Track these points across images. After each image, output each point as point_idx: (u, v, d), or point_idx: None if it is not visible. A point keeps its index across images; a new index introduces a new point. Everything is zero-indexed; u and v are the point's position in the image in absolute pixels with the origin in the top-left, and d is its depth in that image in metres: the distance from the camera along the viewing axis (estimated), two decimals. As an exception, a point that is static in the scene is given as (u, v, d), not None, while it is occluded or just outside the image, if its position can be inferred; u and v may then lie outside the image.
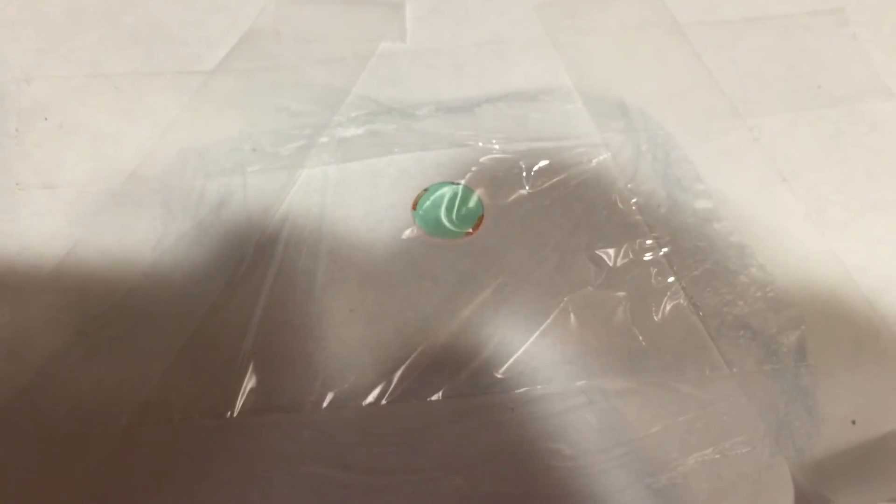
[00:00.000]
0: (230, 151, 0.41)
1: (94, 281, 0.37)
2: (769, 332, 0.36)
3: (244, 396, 0.34)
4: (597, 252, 0.38)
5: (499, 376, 0.35)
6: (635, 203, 0.40)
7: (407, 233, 0.39)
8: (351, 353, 0.36)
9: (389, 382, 0.35)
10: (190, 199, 0.40)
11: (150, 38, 0.45)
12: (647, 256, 0.38)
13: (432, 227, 0.39)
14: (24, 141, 0.41)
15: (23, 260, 0.38)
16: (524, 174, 0.40)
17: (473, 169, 0.41)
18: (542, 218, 0.39)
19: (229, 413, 0.34)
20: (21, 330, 0.36)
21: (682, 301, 0.37)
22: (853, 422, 0.34)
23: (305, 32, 0.45)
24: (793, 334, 0.36)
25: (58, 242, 0.38)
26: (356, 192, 0.40)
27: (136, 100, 0.43)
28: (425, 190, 0.40)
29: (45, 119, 0.42)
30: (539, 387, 0.35)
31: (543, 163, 0.41)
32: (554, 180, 0.40)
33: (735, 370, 0.35)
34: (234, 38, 0.45)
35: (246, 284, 0.37)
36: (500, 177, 0.41)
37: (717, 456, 0.33)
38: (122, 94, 0.43)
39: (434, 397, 0.35)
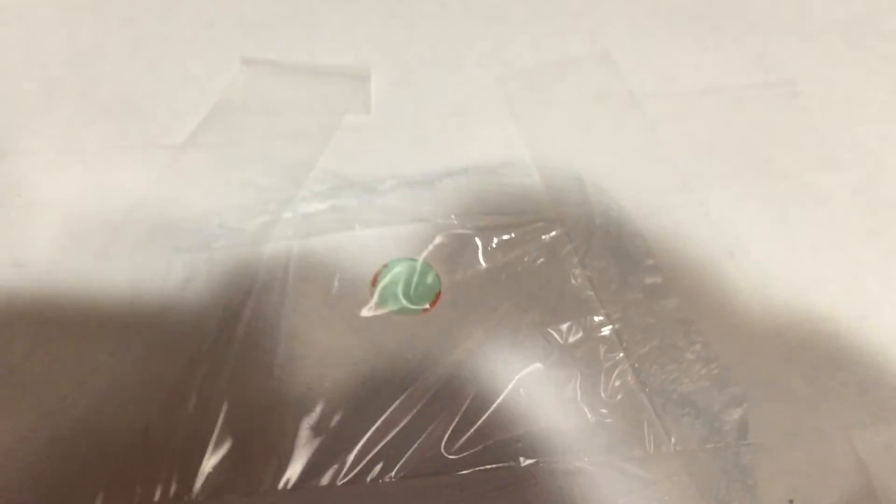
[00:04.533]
0: (197, 228, 0.42)
1: (61, 361, 0.38)
2: (713, 410, 0.38)
3: (203, 478, 0.36)
4: (549, 329, 0.40)
5: (450, 457, 0.36)
6: (588, 279, 0.41)
7: (365, 310, 0.41)
8: (308, 431, 0.37)
9: (344, 462, 0.36)
10: (156, 277, 0.41)
11: (120, 112, 0.46)
12: (598, 333, 0.40)
13: (391, 303, 0.41)
14: (-2, 219, 0.42)
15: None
16: (480, 250, 0.42)
17: (431, 246, 0.42)
18: (496, 294, 0.41)
19: (186, 497, 0.35)
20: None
21: (629, 378, 0.38)
22: (790, 501, 0.36)
23: (273, 104, 0.47)
24: (735, 412, 0.37)
25: (26, 320, 0.40)
26: (317, 268, 0.42)
27: (105, 175, 0.44)
28: (384, 266, 0.42)
29: (18, 195, 0.43)
30: (488, 466, 0.36)
31: (500, 238, 0.42)
32: (510, 256, 0.42)
33: (678, 448, 0.37)
34: (203, 110, 0.46)
35: (206, 364, 0.39)
36: (458, 252, 0.42)
37: (659, 536, 0.35)
38: (93, 170, 0.44)
39: (387, 478, 0.36)
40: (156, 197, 0.43)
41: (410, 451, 0.37)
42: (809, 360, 0.39)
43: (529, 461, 0.36)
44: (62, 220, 0.42)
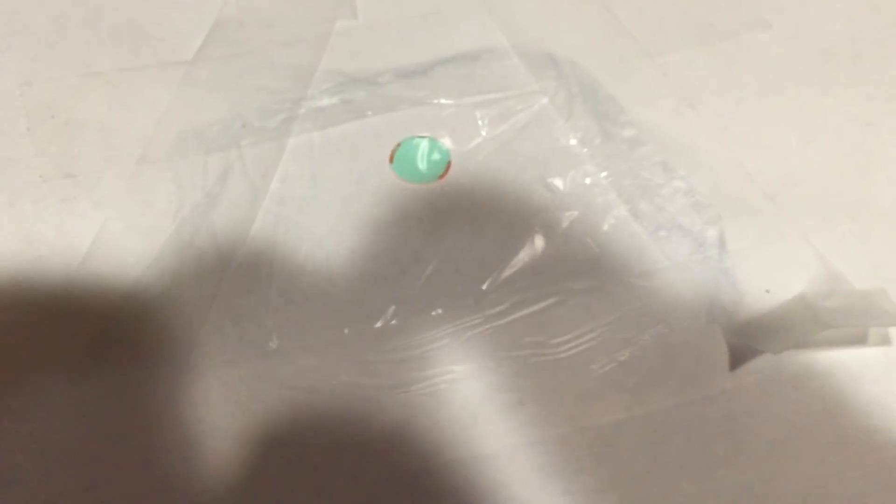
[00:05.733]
0: (223, 129, 0.47)
1: (129, 250, 0.43)
2: (695, 229, 0.45)
3: (279, 332, 0.41)
4: (549, 180, 0.46)
5: (485, 289, 0.43)
6: (575, 137, 0.47)
7: (387, 183, 0.46)
8: (359, 287, 0.43)
9: (396, 306, 0.42)
10: (196, 173, 0.45)
11: (129, 37, 0.50)
12: (589, 181, 0.46)
13: (408, 175, 0.46)
14: (37, 139, 0.46)
15: (60, 241, 0.43)
16: (479, 122, 0.48)
17: (434, 123, 0.48)
18: (499, 157, 0.47)
19: (270, 344, 0.41)
20: (75, 300, 0.42)
21: (623, 212, 0.45)
22: (767, 291, 0.43)
23: (266, 19, 0.51)
24: (713, 229, 0.44)
25: (88, 222, 0.44)
26: (339, 153, 0.47)
27: (129, 92, 0.48)
28: (398, 144, 0.47)
29: (52, 117, 0.47)
30: (517, 295, 0.43)
31: (494, 111, 0.48)
32: (505, 125, 0.48)
33: (671, 262, 0.44)
34: (203, 30, 0.50)
35: (259, 242, 0.44)
36: (459, 127, 0.48)
37: (667, 330, 0.42)
38: (116, 89, 0.48)
39: (434, 312, 0.42)
40: (179, 106, 0.47)
41: (451, 289, 0.43)
42: (767, 181, 0.46)
43: (552, 286, 0.43)
44: (98, 135, 0.46)
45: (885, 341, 0.41)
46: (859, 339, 0.41)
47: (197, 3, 0.52)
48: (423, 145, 0.47)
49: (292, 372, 0.41)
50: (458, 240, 0.44)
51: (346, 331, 0.42)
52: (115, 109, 0.47)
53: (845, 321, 0.40)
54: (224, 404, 0.40)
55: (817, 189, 0.46)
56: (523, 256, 0.44)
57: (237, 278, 0.43)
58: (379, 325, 0.42)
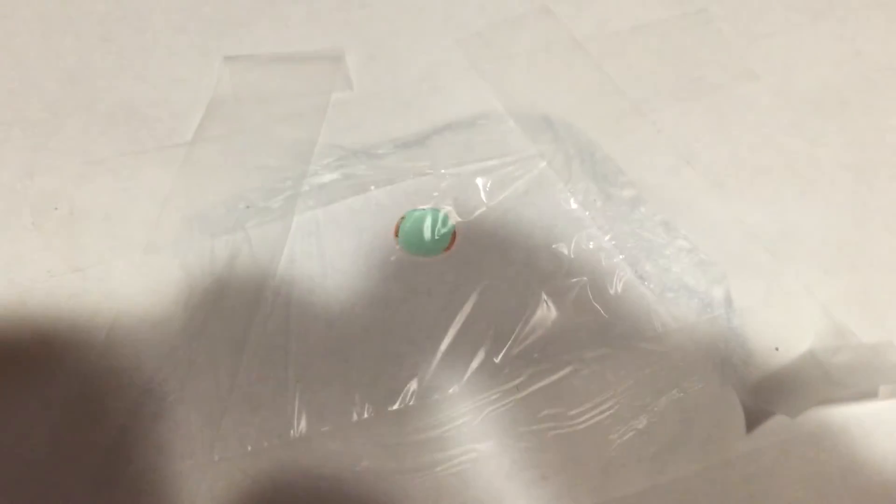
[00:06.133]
0: (227, 211, 0.47)
1: (142, 344, 0.43)
2: (701, 289, 0.45)
3: (300, 418, 0.41)
4: (554, 247, 0.46)
5: (498, 362, 0.43)
6: (575, 200, 0.48)
7: (393, 257, 0.46)
8: (375, 366, 0.43)
9: (414, 384, 0.42)
10: (203, 259, 0.46)
11: (126, 120, 0.50)
12: (593, 245, 0.47)
13: (415, 248, 0.47)
14: (43, 232, 0.46)
15: (74, 338, 0.43)
16: (481, 191, 0.48)
17: (436, 194, 0.48)
18: (503, 226, 0.47)
19: (292, 433, 0.41)
20: (93, 400, 0.41)
21: (629, 276, 0.46)
22: (776, 348, 0.44)
23: (263, 94, 0.52)
24: (720, 287, 0.45)
25: (100, 317, 0.44)
26: (344, 229, 0.47)
27: (130, 178, 0.48)
28: (402, 217, 0.47)
29: (56, 209, 0.47)
30: (531, 367, 0.43)
31: (494, 178, 0.49)
32: (507, 192, 0.48)
33: (680, 324, 0.44)
34: (200, 107, 0.51)
35: (271, 325, 0.44)
36: (461, 197, 0.48)
37: (681, 394, 0.42)
38: (117, 175, 0.48)
39: (451, 390, 0.42)
40: (181, 190, 0.48)
41: (465, 365, 0.43)
42: (767, 235, 0.47)
43: (565, 355, 0.43)
44: (103, 224, 0.47)
45: (895, 395, 0.42)
46: (871, 394, 0.42)
47: (192, 81, 0.53)
48: (428, 217, 0.47)
49: (315, 460, 0.41)
50: (469, 313, 0.44)
51: (365, 414, 0.42)
52: (118, 197, 0.48)
53: (856, 379, 0.41)
54: (249, 499, 0.40)
55: (816, 241, 0.47)
56: (535, 327, 0.44)
57: (253, 365, 0.43)
58: (398, 405, 0.42)
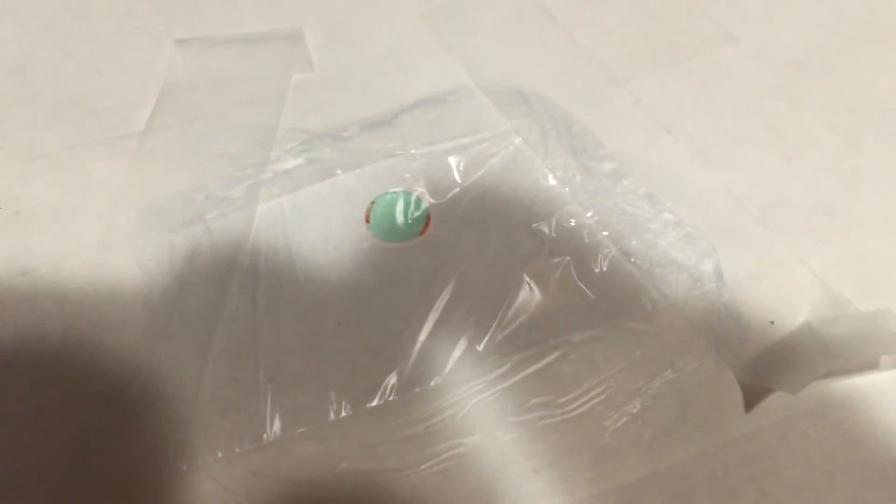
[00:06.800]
0: (185, 204, 0.44)
1: (99, 349, 0.40)
2: (690, 263, 0.43)
3: (273, 420, 0.39)
4: (534, 226, 0.44)
5: (481, 350, 0.41)
6: (554, 176, 0.46)
7: (365, 244, 0.44)
8: (351, 361, 0.40)
9: (393, 378, 0.40)
10: (162, 255, 0.43)
11: (73, 111, 0.47)
12: (575, 222, 0.44)
13: (387, 234, 0.44)
14: (-14, 234, 0.43)
15: (25, 346, 0.40)
16: (454, 171, 0.46)
17: (407, 175, 0.46)
18: (479, 206, 0.45)
19: (265, 436, 0.38)
20: (48, 412, 0.38)
21: (614, 252, 0.43)
22: (771, 322, 0.42)
23: (218, 78, 0.49)
24: (709, 261, 0.43)
25: (52, 322, 0.41)
26: (311, 217, 0.44)
27: (80, 172, 0.45)
28: (373, 202, 0.45)
29: (0, 209, 0.44)
30: (517, 354, 0.41)
31: (468, 157, 0.46)
32: (481, 171, 0.46)
33: (670, 301, 0.42)
34: (151, 95, 0.48)
35: (238, 323, 0.41)
36: (434, 177, 0.46)
37: (675, 375, 0.40)
38: (66, 170, 0.45)
39: (433, 382, 0.40)
40: (135, 183, 0.45)
41: (446, 355, 0.40)
42: (755, 204, 0.45)
43: (552, 340, 0.41)
44: (52, 223, 0.43)
45: (897, 364, 0.40)
46: (872, 365, 0.40)
47: (142, 68, 0.49)
48: (399, 201, 0.45)
49: (291, 464, 0.38)
50: (448, 300, 0.42)
51: (343, 413, 0.39)
52: (67, 193, 0.44)
53: (856, 349, 0.39)
54: (222, 509, 0.37)
55: (807, 208, 0.45)
56: (518, 311, 0.42)
57: (220, 366, 0.40)
58: (377, 402, 0.39)
